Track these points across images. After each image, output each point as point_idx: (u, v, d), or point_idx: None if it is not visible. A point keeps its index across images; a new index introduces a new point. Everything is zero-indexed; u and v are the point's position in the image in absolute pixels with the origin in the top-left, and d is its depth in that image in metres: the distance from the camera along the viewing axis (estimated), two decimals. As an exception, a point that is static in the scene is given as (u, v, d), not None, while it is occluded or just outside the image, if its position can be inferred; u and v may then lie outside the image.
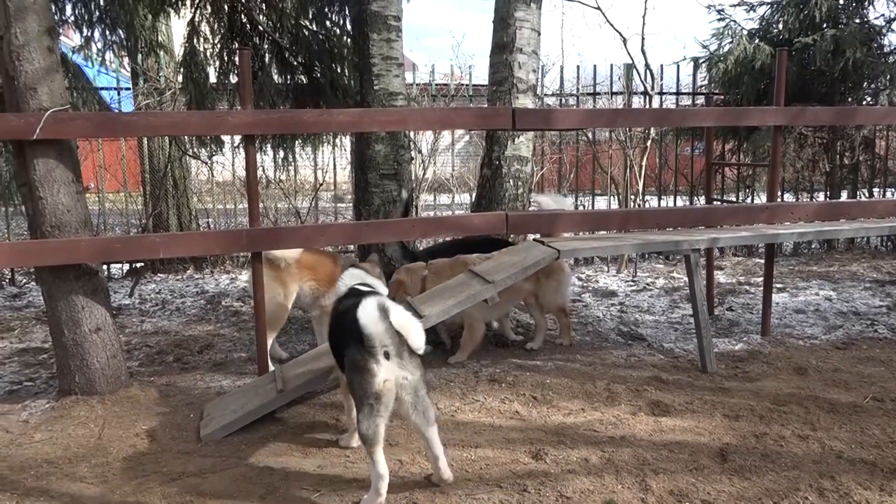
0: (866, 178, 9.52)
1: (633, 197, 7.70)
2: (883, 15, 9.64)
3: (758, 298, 6.38)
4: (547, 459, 3.33)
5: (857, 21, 8.50)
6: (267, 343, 4.36)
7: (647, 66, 7.39)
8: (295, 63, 6.55)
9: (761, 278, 7.17)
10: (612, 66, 8.12)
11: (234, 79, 6.50)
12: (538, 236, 4.72)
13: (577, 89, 8.73)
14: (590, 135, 8.72)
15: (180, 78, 7.04)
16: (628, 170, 7.79)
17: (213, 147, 6.81)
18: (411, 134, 6.90)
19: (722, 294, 6.59)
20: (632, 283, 7.14)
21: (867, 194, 9.69)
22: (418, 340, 2.81)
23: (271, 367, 4.27)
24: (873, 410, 3.90)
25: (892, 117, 5.17)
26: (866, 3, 8.50)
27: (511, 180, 5.59)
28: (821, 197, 9.61)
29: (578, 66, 8.16)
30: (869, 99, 8.96)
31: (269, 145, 6.99)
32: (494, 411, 3.95)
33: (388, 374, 2.79)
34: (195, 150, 6.96)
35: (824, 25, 8.30)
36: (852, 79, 8.46)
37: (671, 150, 9.99)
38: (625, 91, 8.62)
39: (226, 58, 6.33)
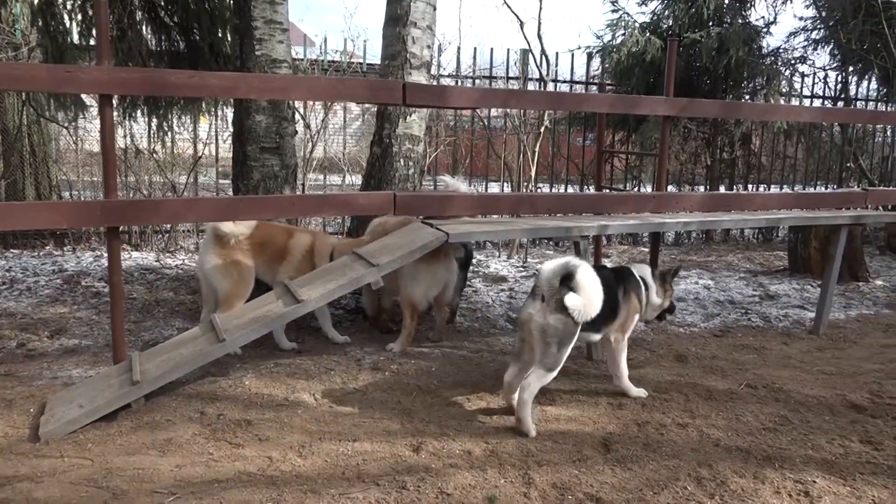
0: (742, 172, 10.00)
1: (525, 183, 7.67)
2: (763, 17, 10.11)
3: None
4: (428, 453, 3.15)
5: (741, 21, 8.85)
6: (122, 328, 3.93)
7: (542, 51, 7.35)
8: (171, 23, 6.00)
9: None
10: (508, 50, 8.04)
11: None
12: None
13: (474, 72, 8.60)
14: (485, 119, 8.62)
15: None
16: (521, 156, 7.75)
17: (74, 110, 6.14)
18: (297, 105, 6.51)
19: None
20: (522, 269, 7.11)
21: (743, 188, 10.21)
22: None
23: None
24: (747, 397, 3.99)
25: (772, 114, 5.36)
26: (748, 3, 8.85)
27: (402, 160, 5.36)
28: (701, 189, 10.00)
29: (476, 49, 8.02)
30: (748, 97, 9.39)
31: (140, 111, 6.41)
32: (376, 402, 3.73)
33: None
34: (52, 112, 6.26)
35: (711, 23, 8.59)
36: (734, 77, 8.81)
37: (564, 139, 10.08)
38: (520, 76, 8.58)
39: (89, 11, 5.70)
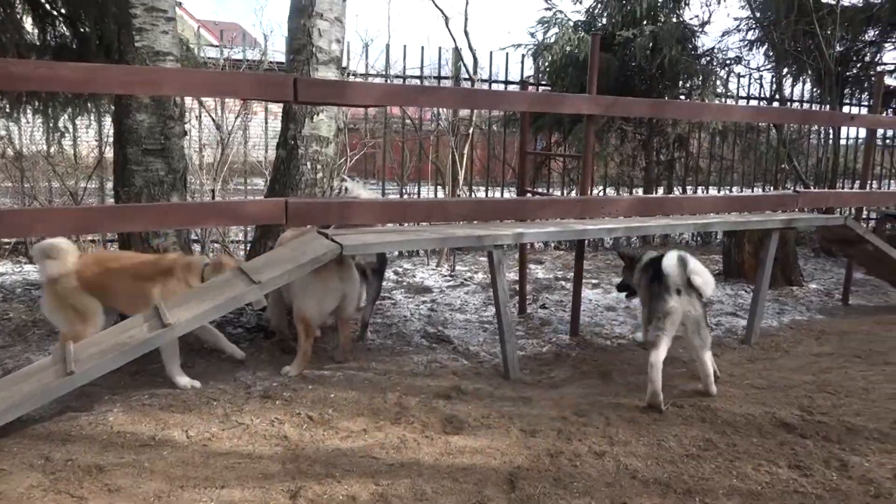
0: (680, 175, 9.85)
1: (460, 189, 7.30)
2: (697, 16, 9.97)
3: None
4: (307, 500, 2.74)
5: (674, 20, 8.67)
6: None
7: (470, 48, 7.01)
8: (55, 13, 5.45)
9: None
10: (440, 48, 7.67)
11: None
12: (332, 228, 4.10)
13: (404, 71, 8.20)
14: (415, 121, 8.22)
15: None
16: (454, 161, 7.38)
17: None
18: (189, 103, 5.96)
19: (538, 290, 6.35)
20: (450, 279, 6.74)
21: (681, 191, 10.06)
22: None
23: None
24: (672, 418, 3.68)
25: (703, 113, 5.11)
26: (682, 2, 8.68)
27: (309, 163, 4.93)
28: (639, 192, 9.81)
29: (405, 46, 7.62)
30: (684, 98, 9.23)
31: (26, 110, 5.82)
32: (259, 437, 3.29)
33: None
34: None
35: (644, 21, 8.38)
36: (669, 76, 8.63)
37: (506, 142, 9.76)
38: (452, 76, 8.22)
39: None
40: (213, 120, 6.54)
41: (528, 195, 5.34)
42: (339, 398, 3.74)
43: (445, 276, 6.84)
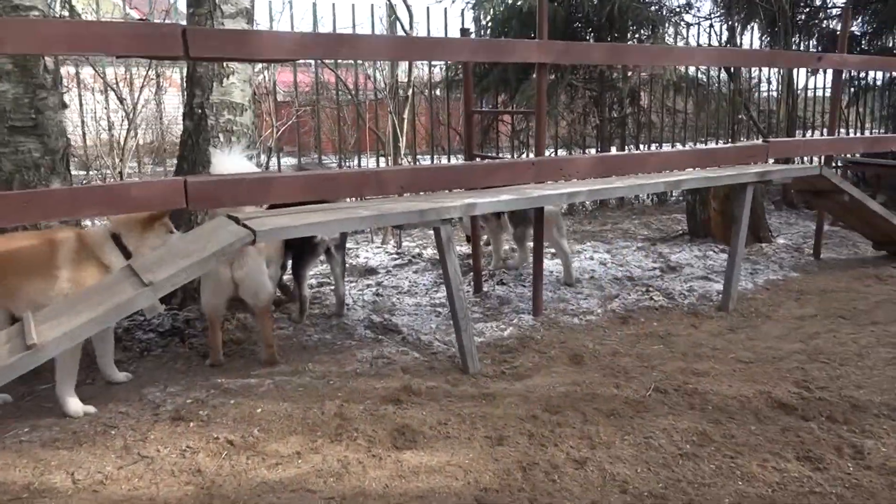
0: (633, 131, 9.40)
1: (402, 159, 6.65)
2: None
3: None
4: (219, 561, 2.14)
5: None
6: None
7: (405, 2, 6.31)
8: None
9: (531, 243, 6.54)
10: (372, 6, 6.93)
11: None
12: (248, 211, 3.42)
13: (334, 30, 7.45)
14: (349, 84, 7.51)
15: None
16: (395, 128, 6.72)
17: None
18: (67, 68, 5.08)
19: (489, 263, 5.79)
20: (396, 256, 6.13)
21: (634, 148, 9.62)
22: None
23: None
24: (657, 407, 3.20)
25: (665, 57, 4.59)
26: (630, -54, 8.10)
27: (220, 134, 4.23)
28: (592, 152, 9.32)
29: (334, 4, 6.87)
30: (634, 50, 8.72)
31: None
32: (165, 473, 2.67)
33: None
34: None
35: (591, -33, 7.80)
36: (618, 26, 8.08)
37: (445, 105, 9.11)
38: (387, 34, 7.50)
39: None
40: (115, 91, 5.71)
41: (477, 160, 4.75)
42: (267, 413, 3.13)
43: (391, 254, 6.22)
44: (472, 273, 5.01)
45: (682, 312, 4.60)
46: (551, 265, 5.65)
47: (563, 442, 2.88)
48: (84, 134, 6.16)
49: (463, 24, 8.09)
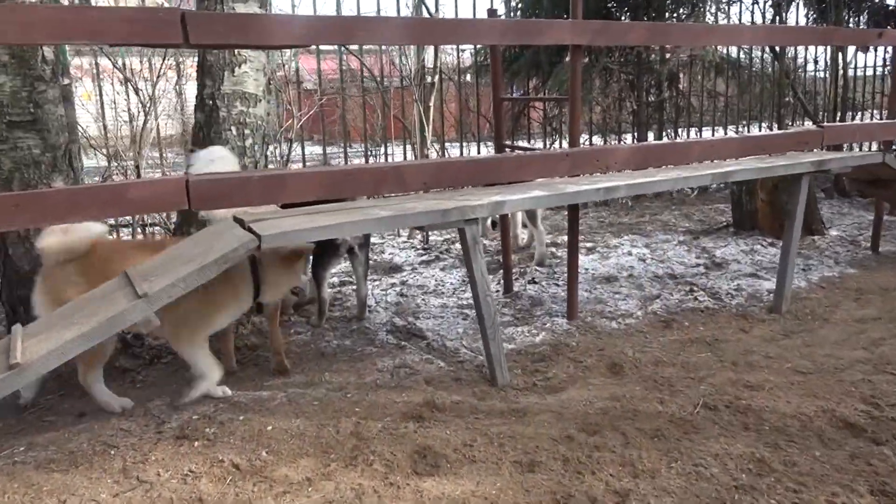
0: (671, 116, 8.96)
1: (429, 148, 6.36)
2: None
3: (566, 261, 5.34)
4: None
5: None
6: None
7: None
8: None
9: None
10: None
11: None
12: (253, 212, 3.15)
13: (359, 13, 7.15)
14: (374, 71, 7.21)
15: None
16: (421, 116, 6.42)
17: None
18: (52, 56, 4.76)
19: (527, 260, 5.48)
20: (423, 252, 5.85)
21: (673, 134, 9.18)
22: None
23: None
24: (707, 427, 2.87)
25: (709, 36, 4.20)
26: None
27: (233, 127, 3.99)
28: (628, 139, 8.91)
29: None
30: (673, 30, 8.26)
31: None
32: (164, 500, 2.44)
33: None
34: None
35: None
36: (655, 6, 7.64)
37: (474, 91, 8.77)
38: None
39: None
40: (129, 81, 5.51)
41: (507, 150, 4.43)
42: (278, 431, 2.89)
43: (418, 249, 5.95)
44: (501, 271, 4.70)
45: (731, 314, 4.24)
46: (586, 261, 5.32)
47: (602, 469, 2.58)
48: (105, 126, 5.98)
49: (492, 4, 7.72)
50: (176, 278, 2.44)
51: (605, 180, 3.58)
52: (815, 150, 4.65)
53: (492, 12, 4.22)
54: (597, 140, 8.95)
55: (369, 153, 8.02)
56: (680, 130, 9.18)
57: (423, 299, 4.61)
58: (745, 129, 9.69)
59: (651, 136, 9.33)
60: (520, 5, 8.24)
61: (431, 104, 6.12)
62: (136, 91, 5.44)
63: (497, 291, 4.69)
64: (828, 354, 3.61)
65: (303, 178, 3.06)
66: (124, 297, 2.44)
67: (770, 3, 8.77)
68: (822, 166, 4.23)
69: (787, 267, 4.24)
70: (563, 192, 3.30)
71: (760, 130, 9.78)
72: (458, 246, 5.90)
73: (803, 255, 5.40)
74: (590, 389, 3.27)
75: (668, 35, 4.02)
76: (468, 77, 8.76)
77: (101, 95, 6.27)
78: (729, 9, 8.82)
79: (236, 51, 3.92)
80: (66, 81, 3.52)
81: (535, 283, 4.83)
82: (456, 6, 6.87)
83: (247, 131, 4.03)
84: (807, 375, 3.37)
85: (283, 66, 6.75)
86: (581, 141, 8.39)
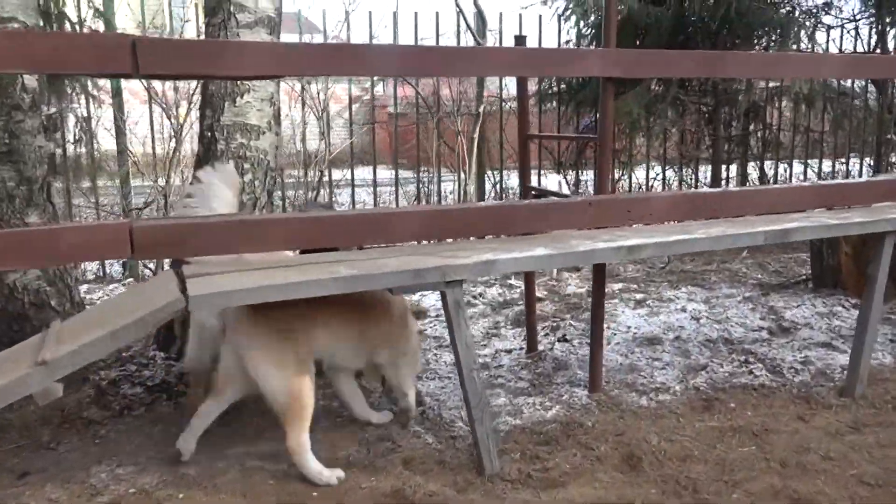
0: (759, 151, 8.16)
1: (469, 181, 5.95)
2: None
3: (611, 317, 4.77)
4: None
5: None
6: None
7: (475, 4, 5.59)
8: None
9: (620, 284, 5.62)
10: (437, 13, 6.26)
11: None
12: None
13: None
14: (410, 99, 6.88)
15: None
16: (462, 148, 6.04)
17: None
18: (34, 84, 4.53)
19: (563, 311, 4.94)
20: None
21: (758, 170, 8.38)
22: None
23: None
24: (730, 559, 2.28)
25: (778, 67, 3.55)
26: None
27: (231, 161, 3.70)
28: (706, 176, 8.17)
29: (395, 13, 6.28)
30: (758, 58, 7.51)
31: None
32: None
33: None
34: None
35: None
36: (740, 32, 6.94)
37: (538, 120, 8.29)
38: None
39: None
40: (161, 105, 5.40)
41: (533, 194, 3.94)
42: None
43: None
44: (525, 328, 4.20)
45: (790, 396, 3.56)
46: (631, 317, 4.73)
47: None
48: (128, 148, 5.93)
49: (559, 31, 7.22)
50: (83, 343, 2.12)
51: (632, 236, 3.03)
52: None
53: (519, 39, 3.77)
54: (670, 175, 8.27)
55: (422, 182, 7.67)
56: (767, 167, 8.38)
57: (435, 354, 4.16)
58: (846, 166, 8.75)
59: (734, 170, 8.57)
60: (590, 32, 7.72)
61: (476, 135, 5.70)
62: (168, 115, 5.32)
63: (521, 349, 4.20)
64: (907, 461, 2.91)
65: (268, 224, 2.71)
66: (26, 364, 2.14)
67: (872, 27, 7.88)
68: (911, 224, 3.51)
69: (864, 341, 3.53)
70: (572, 251, 2.79)
71: (861, 168, 8.81)
72: (493, 291, 5.42)
73: (893, 323, 4.60)
74: (595, 487, 2.73)
75: (721, 66, 3.43)
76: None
77: (151, 118, 6.24)
78: (828, 34, 7.97)
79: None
80: (53, 111, 3.33)
81: (567, 340, 4.30)
82: (520, 30, 6.44)
83: (246, 165, 3.74)
84: (874, 489, 2.70)
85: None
86: (650, 176, 7.74)
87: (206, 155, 3.74)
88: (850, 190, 3.89)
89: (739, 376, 3.79)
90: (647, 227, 3.18)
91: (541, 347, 4.19)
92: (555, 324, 4.61)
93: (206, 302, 2.27)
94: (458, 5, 6.06)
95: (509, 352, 4.20)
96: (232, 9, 3.63)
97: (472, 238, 3.08)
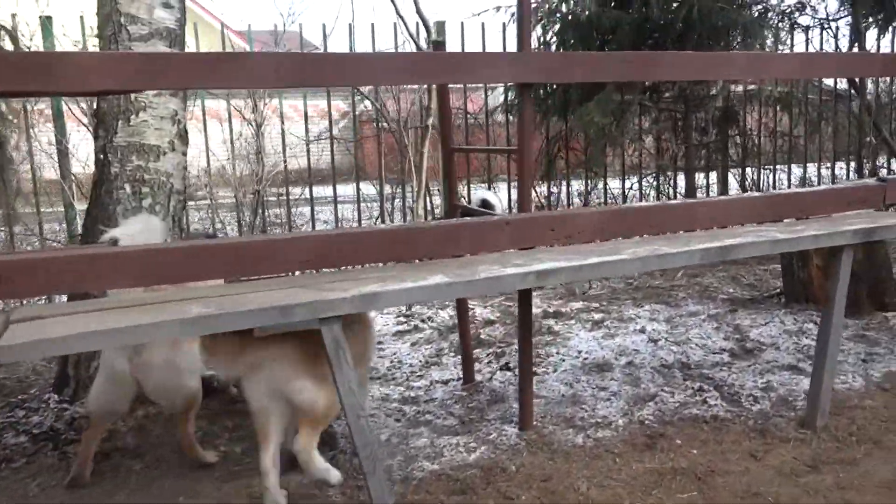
0: (740, 157, 7.85)
1: (421, 194, 5.64)
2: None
3: (564, 340, 4.45)
4: None
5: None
6: None
7: (418, 12, 5.31)
8: None
9: (580, 304, 5.28)
10: (395, 24, 6.00)
11: None
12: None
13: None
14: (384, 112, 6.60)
15: None
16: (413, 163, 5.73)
17: None
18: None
19: (513, 336, 4.59)
20: (403, 319, 5.08)
21: (739, 177, 8.07)
22: None
23: None
24: None
25: (717, 68, 3.20)
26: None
27: (127, 185, 3.40)
28: (681, 184, 7.86)
29: (350, 25, 6.01)
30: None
31: None
32: None
33: None
34: None
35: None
36: (707, 34, 6.63)
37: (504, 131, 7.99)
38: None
39: None
40: (88, 127, 5.11)
41: (460, 211, 3.62)
42: None
43: (400, 315, 5.18)
44: (461, 356, 3.87)
45: (745, 429, 3.22)
46: (585, 340, 4.40)
47: None
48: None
49: (504, 38, 6.87)
50: None
51: (547, 259, 2.70)
52: (874, 209, 3.60)
53: (437, 44, 3.47)
54: (647, 185, 7.97)
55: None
56: (749, 171, 8.07)
57: (377, 387, 3.82)
58: (830, 170, 8.41)
59: (714, 178, 8.27)
60: (554, 39, 7.43)
61: (425, 150, 5.40)
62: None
63: (458, 379, 3.86)
64: (869, 506, 2.56)
65: (125, 258, 2.38)
66: None
67: (851, 27, 7.57)
68: (870, 236, 3.19)
69: (823, 368, 3.19)
70: (474, 278, 2.46)
71: (848, 173, 8.50)
72: (443, 314, 5.08)
73: (868, 340, 4.26)
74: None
75: (656, 68, 3.10)
76: (500, 116, 7.99)
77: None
78: (807, 34, 7.66)
79: (133, 96, 3.36)
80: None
81: (509, 369, 3.96)
82: (462, 40, 6.14)
83: (145, 189, 3.43)
84: (826, 545, 2.35)
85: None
86: (626, 187, 7.39)
87: (101, 178, 3.43)
88: (807, 199, 3.56)
89: (691, 406, 3.44)
90: (569, 248, 2.84)
91: (480, 377, 3.85)
92: (500, 350, 4.28)
93: (17, 353, 1.95)
94: (398, 13, 5.79)
95: (445, 383, 3.87)
96: (123, 20, 3.33)
97: (370, 265, 2.75)
